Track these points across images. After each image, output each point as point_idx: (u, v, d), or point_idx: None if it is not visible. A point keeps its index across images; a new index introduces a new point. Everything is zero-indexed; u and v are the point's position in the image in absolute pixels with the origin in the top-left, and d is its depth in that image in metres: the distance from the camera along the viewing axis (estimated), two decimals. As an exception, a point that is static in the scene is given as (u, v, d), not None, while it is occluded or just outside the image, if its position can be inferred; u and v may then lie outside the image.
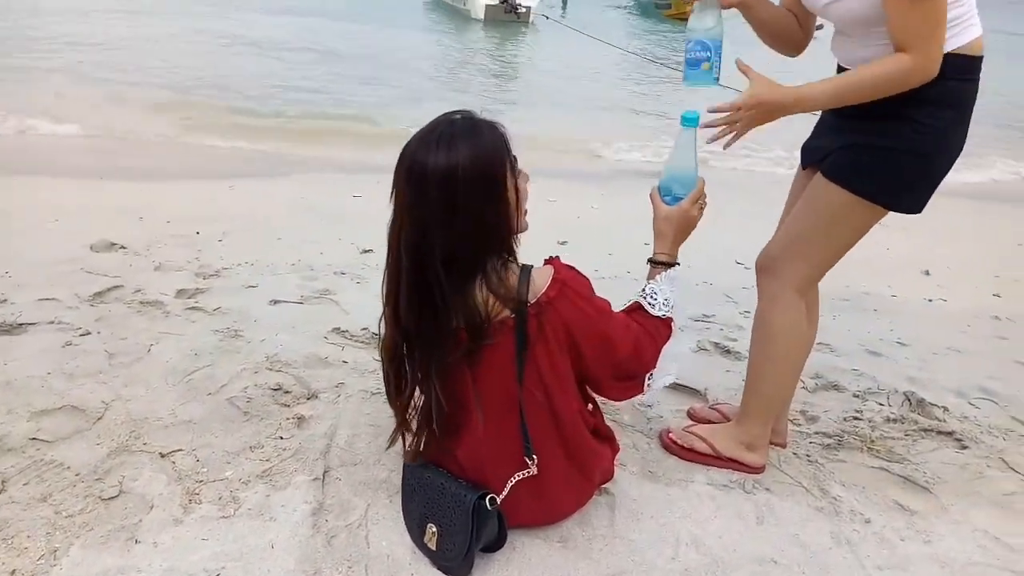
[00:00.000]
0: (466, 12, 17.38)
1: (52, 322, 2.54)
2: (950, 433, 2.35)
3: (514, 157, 1.55)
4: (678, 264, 1.74)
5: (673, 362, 1.74)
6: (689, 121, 1.67)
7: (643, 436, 2.16)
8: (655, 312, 1.68)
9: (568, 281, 1.55)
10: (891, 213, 1.82)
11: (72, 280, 3.00)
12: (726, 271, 3.79)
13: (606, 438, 1.81)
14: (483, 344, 1.50)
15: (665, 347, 1.66)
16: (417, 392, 1.65)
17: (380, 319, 1.64)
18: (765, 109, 1.67)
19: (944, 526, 1.91)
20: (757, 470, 2.05)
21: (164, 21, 12.54)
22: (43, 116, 6.85)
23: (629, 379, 1.67)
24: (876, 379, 2.71)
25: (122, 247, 3.59)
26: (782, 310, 1.93)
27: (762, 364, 2.01)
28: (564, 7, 20.70)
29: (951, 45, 1.63)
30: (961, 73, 1.67)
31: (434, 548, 1.59)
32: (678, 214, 1.71)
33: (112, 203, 4.53)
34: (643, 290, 1.72)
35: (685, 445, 2.06)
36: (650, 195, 1.77)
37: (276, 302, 2.97)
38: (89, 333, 2.47)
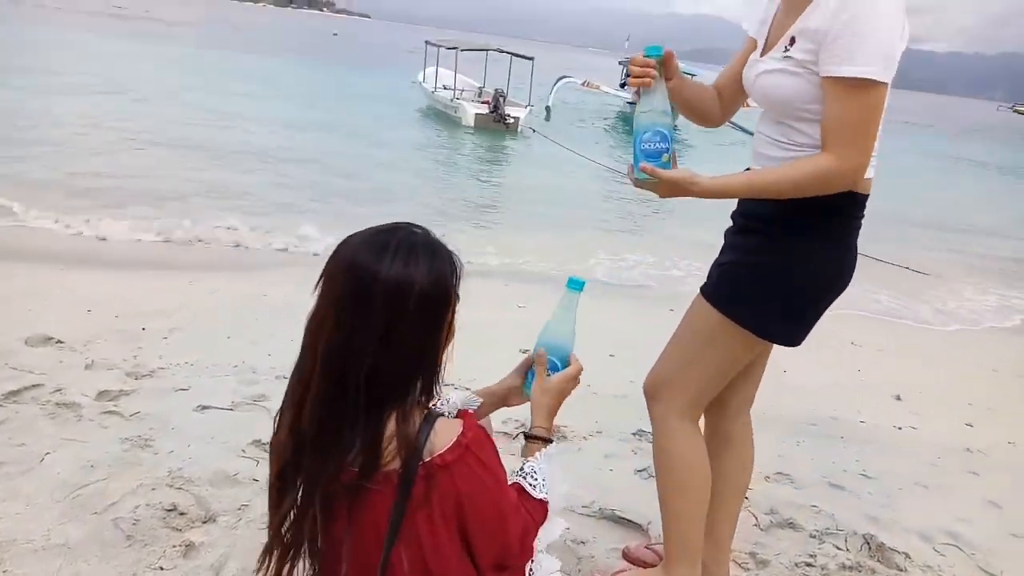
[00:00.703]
0: (457, 120, 17.93)
1: (-52, 423, 2.37)
2: (910, 585, 2.16)
3: (458, 295, 1.44)
4: (553, 440, 1.60)
5: (556, 560, 1.59)
6: (575, 285, 1.60)
7: (570, 578, 1.97)
8: (536, 494, 1.51)
9: (471, 446, 1.35)
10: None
11: (-11, 376, 2.84)
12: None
13: None
14: (366, 485, 1.33)
15: (541, 535, 1.49)
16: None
17: (274, 419, 1.47)
18: (691, 189, 1.58)
19: None
20: None
21: (149, 122, 12.78)
22: (12, 199, 6.84)
23: (506, 570, 1.47)
24: (835, 517, 2.54)
25: (59, 341, 3.44)
26: (672, 438, 1.81)
27: (669, 499, 1.85)
28: (548, 116, 21.37)
29: None
30: (850, 210, 1.62)
31: None
32: (557, 387, 1.59)
33: (64, 293, 4.41)
34: (521, 469, 1.55)
35: None
36: (536, 357, 1.63)
37: (204, 408, 2.80)
38: (-18, 437, 2.29)
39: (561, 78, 24.57)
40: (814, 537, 2.39)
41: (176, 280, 5.14)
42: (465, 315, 1.44)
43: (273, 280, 5.46)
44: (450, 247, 1.40)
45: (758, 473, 2.86)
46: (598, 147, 17.33)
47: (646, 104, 1.63)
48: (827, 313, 1.74)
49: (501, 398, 1.72)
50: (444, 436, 1.34)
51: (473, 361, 2.67)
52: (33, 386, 2.80)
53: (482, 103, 18.21)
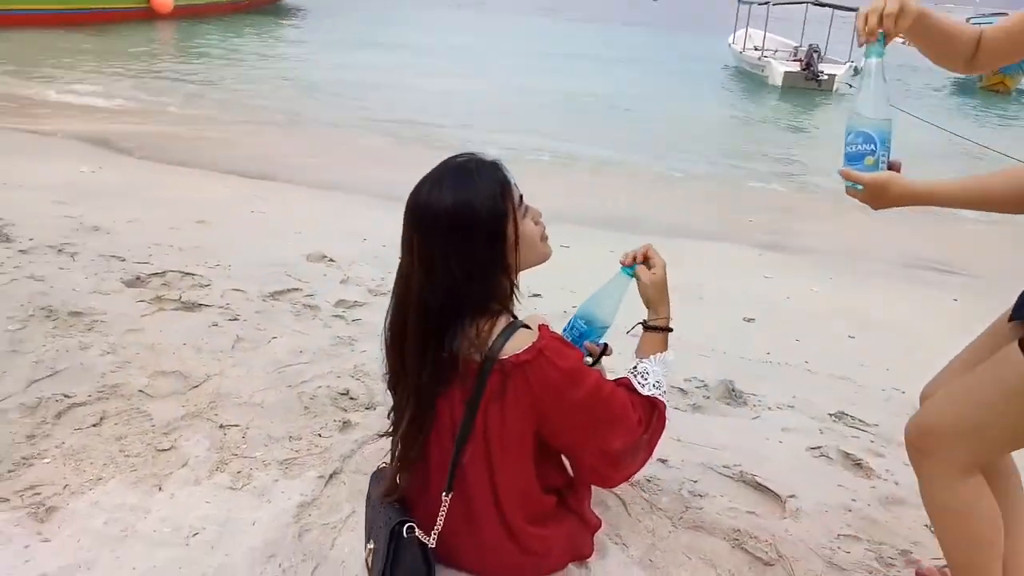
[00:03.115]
0: (764, 79, 16.92)
1: (222, 307, 3.04)
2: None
3: (519, 196, 1.54)
4: (671, 330, 1.62)
5: None
6: (626, 271, 1.70)
7: (669, 523, 1.96)
8: (643, 392, 1.58)
9: (545, 350, 1.46)
10: None
11: (267, 279, 3.53)
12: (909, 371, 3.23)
13: (571, 513, 1.68)
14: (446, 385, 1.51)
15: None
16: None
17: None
18: (889, 193, 1.47)
19: None
20: None
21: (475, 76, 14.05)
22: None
23: (618, 463, 1.57)
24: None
25: (331, 260, 4.12)
26: (955, 494, 1.50)
27: (959, 552, 1.56)
28: (855, 74, 19.08)
29: None
30: None
31: (369, 566, 1.63)
32: (660, 278, 1.64)
33: (355, 223, 5.22)
34: (634, 368, 1.63)
35: None
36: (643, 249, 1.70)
37: (413, 323, 3.20)
38: (237, 319, 2.91)
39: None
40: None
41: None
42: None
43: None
44: (495, 159, 1.51)
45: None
46: (927, 109, 15.16)
47: (856, 101, 1.52)
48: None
49: None
50: (520, 340, 1.47)
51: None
52: (293, 289, 3.44)
53: (794, 61, 16.97)
